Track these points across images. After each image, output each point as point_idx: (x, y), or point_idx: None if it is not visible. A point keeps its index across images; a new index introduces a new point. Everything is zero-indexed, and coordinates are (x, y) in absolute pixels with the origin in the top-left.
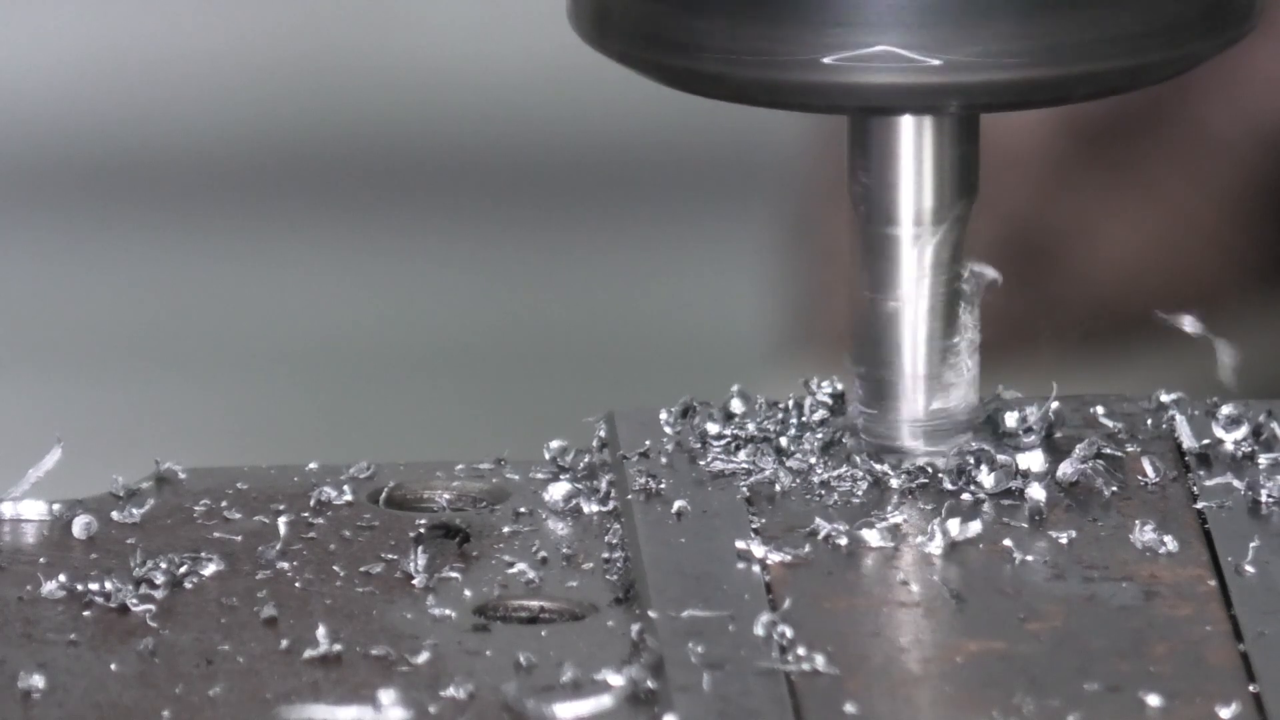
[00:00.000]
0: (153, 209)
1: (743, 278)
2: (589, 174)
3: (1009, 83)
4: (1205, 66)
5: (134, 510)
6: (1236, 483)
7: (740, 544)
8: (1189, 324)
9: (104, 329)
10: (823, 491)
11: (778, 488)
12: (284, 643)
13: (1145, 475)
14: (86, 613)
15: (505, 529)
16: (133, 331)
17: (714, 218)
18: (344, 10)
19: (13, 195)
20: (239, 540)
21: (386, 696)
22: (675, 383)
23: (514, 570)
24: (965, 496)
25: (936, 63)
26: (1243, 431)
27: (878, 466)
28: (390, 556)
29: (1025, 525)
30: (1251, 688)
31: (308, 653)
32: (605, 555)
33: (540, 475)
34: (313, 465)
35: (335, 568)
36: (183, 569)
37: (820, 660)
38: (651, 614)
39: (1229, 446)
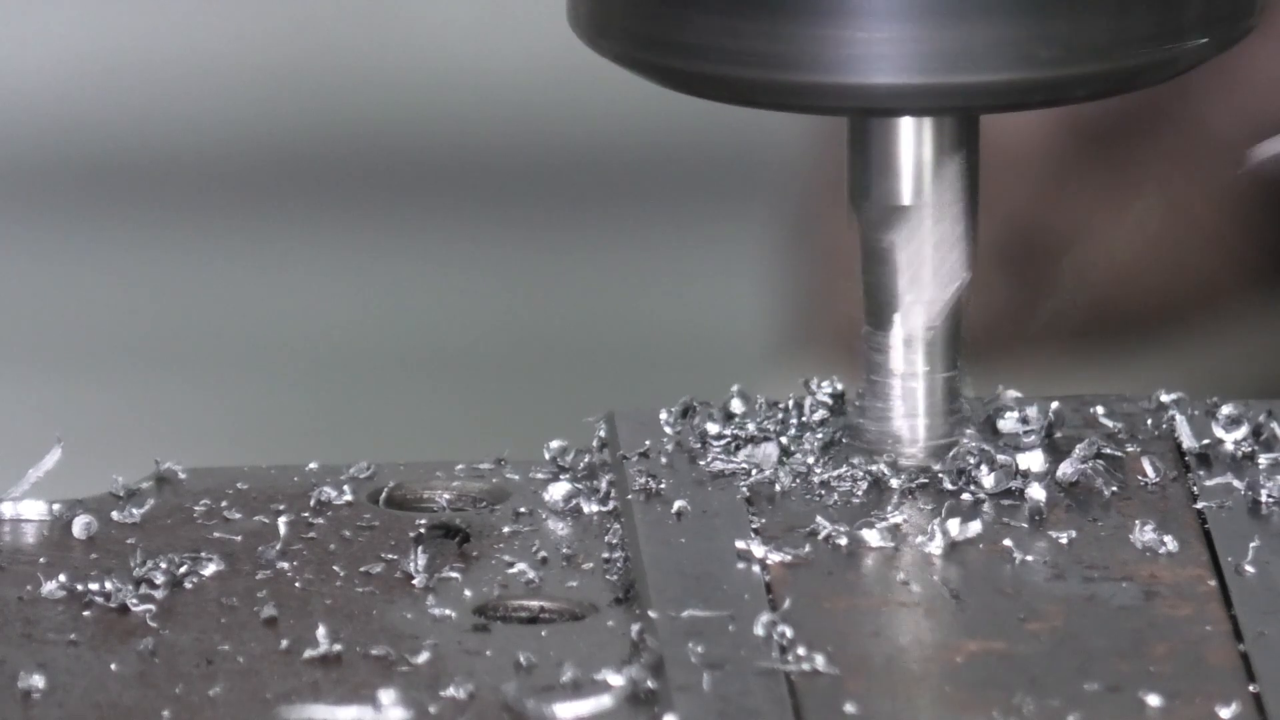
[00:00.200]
0: (153, 209)
1: (743, 278)
2: (589, 174)
3: (1009, 83)
4: (1205, 66)
5: (134, 510)
6: (1236, 483)
7: (740, 544)
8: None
9: (104, 329)
10: (823, 491)
11: (778, 488)
12: (284, 643)
13: (1145, 475)
14: (86, 613)
15: (505, 529)
16: (133, 331)
17: (714, 218)
18: (344, 10)
19: (13, 195)
20: (239, 540)
21: (386, 696)
22: (675, 383)
23: (514, 570)
24: (965, 496)
25: (937, 63)
26: (1243, 431)
27: (874, 468)
28: (390, 556)
29: (1025, 525)
30: (1251, 688)
31: (308, 653)
32: (605, 555)
33: (540, 475)
34: (313, 465)
35: (335, 568)
36: (183, 569)
37: (820, 660)
38: (651, 614)
39: (1229, 446)
